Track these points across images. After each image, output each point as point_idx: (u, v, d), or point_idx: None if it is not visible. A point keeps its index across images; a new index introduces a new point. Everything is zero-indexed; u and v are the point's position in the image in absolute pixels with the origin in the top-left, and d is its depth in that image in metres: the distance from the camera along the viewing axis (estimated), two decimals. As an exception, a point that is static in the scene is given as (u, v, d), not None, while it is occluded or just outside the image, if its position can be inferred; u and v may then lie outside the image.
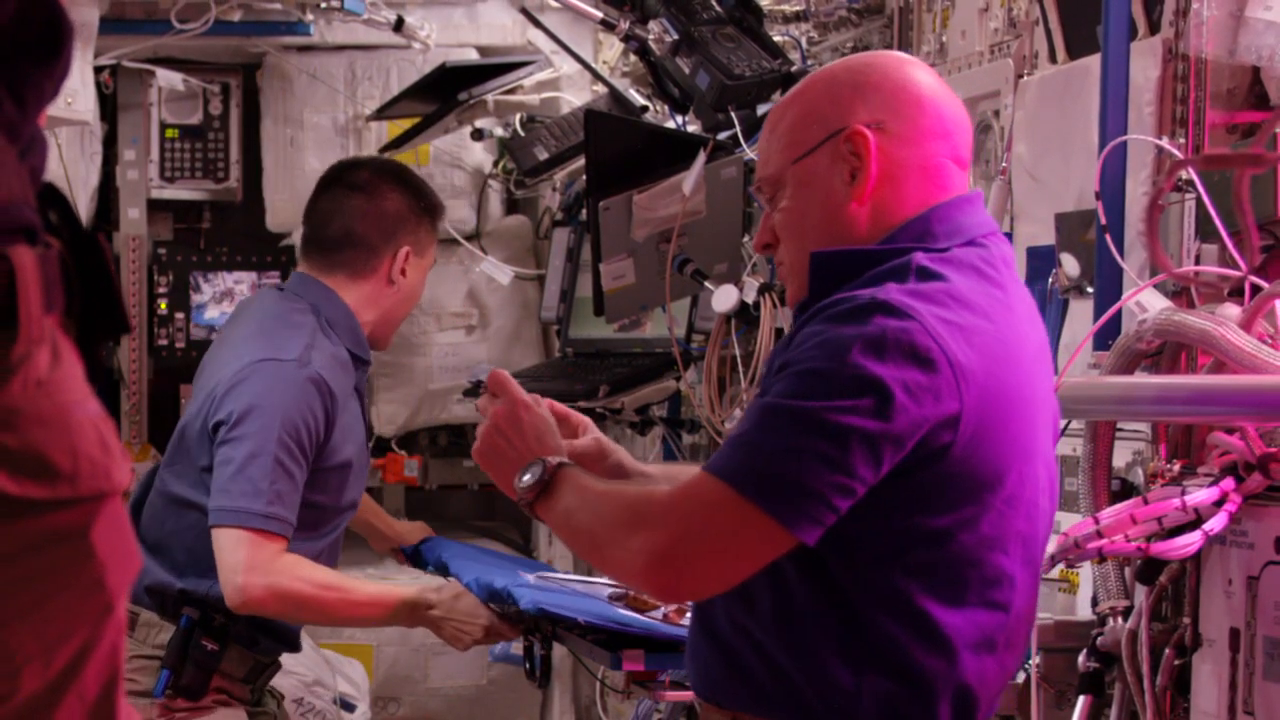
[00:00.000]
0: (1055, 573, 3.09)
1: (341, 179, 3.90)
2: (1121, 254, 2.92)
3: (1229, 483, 2.62)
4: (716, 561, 2.24)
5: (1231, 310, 2.66)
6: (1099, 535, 2.65)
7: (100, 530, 1.54)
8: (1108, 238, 2.93)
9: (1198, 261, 2.84)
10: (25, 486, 1.48)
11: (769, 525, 2.19)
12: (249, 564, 3.54)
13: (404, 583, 4.00)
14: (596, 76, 5.43)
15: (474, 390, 4.76)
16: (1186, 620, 2.78)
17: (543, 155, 5.40)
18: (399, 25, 5.72)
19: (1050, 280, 3.25)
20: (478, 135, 5.82)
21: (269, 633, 3.77)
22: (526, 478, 2.43)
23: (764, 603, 2.31)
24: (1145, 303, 2.79)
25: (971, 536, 2.27)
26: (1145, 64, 2.97)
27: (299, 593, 3.59)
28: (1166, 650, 2.79)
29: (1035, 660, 2.93)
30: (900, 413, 2.17)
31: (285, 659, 4.03)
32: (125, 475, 1.56)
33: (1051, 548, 2.72)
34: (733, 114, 3.98)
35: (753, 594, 2.32)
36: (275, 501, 3.56)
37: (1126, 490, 2.94)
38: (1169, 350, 2.79)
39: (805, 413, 2.19)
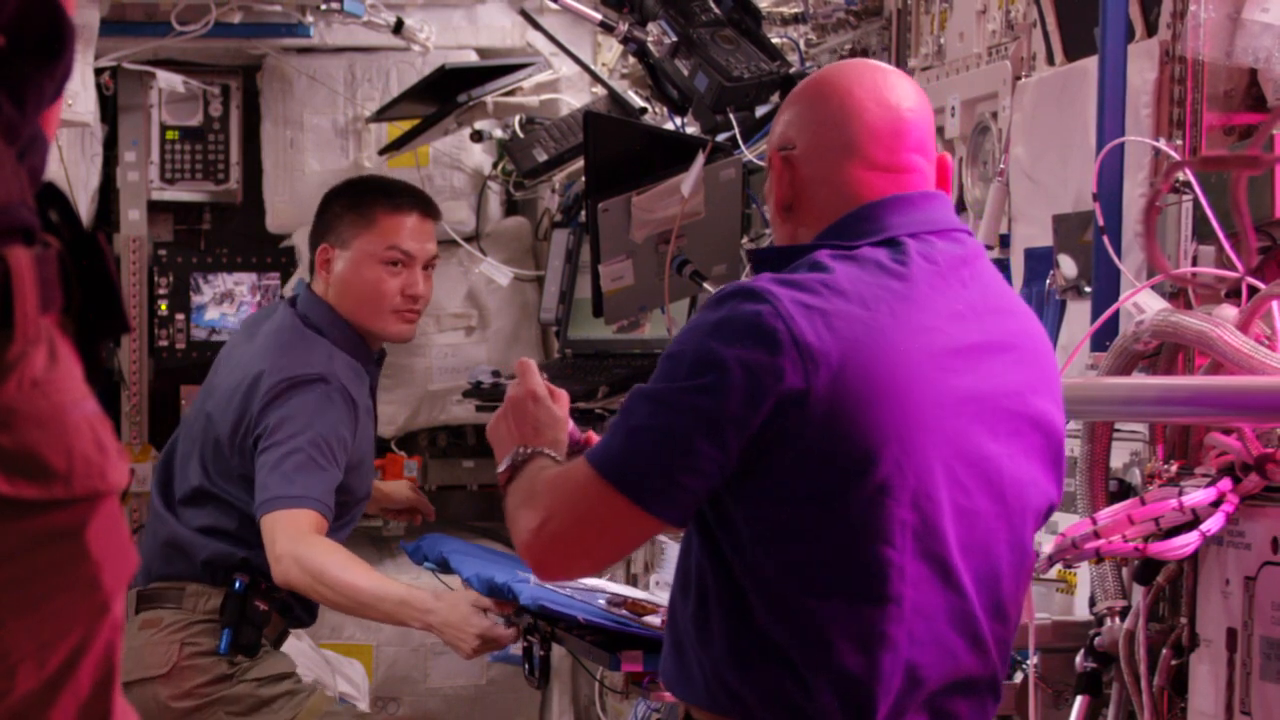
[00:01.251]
0: (1053, 573, 3.10)
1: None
2: (1119, 255, 2.92)
3: (1226, 483, 2.62)
4: (582, 541, 2.37)
5: (1228, 311, 2.66)
6: (1096, 535, 2.66)
7: (95, 530, 1.54)
8: (1105, 239, 2.93)
9: (1195, 263, 2.84)
10: (19, 487, 1.48)
11: (625, 505, 2.30)
12: (285, 537, 3.89)
13: (406, 582, 4.11)
14: (595, 78, 5.43)
15: (474, 391, 4.77)
16: (1184, 620, 2.78)
17: (542, 157, 5.40)
18: (398, 27, 5.73)
19: (1048, 281, 3.25)
20: (477, 137, 5.83)
21: (301, 602, 4.13)
22: (504, 461, 2.57)
23: (690, 596, 2.39)
24: (1143, 304, 2.79)
25: (840, 524, 2.28)
26: (1142, 66, 2.98)
27: (330, 575, 3.88)
28: (1164, 650, 2.79)
29: (1033, 660, 2.94)
30: (737, 391, 2.24)
31: (286, 660, 4.30)
32: (122, 475, 1.56)
33: (1049, 548, 2.73)
34: (731, 116, 3.99)
35: (688, 587, 2.40)
36: (313, 487, 3.94)
37: (1124, 491, 2.94)
38: (1166, 351, 2.79)
39: (656, 394, 2.30)
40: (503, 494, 2.55)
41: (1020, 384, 2.40)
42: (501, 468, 2.57)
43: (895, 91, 2.46)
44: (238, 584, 4.04)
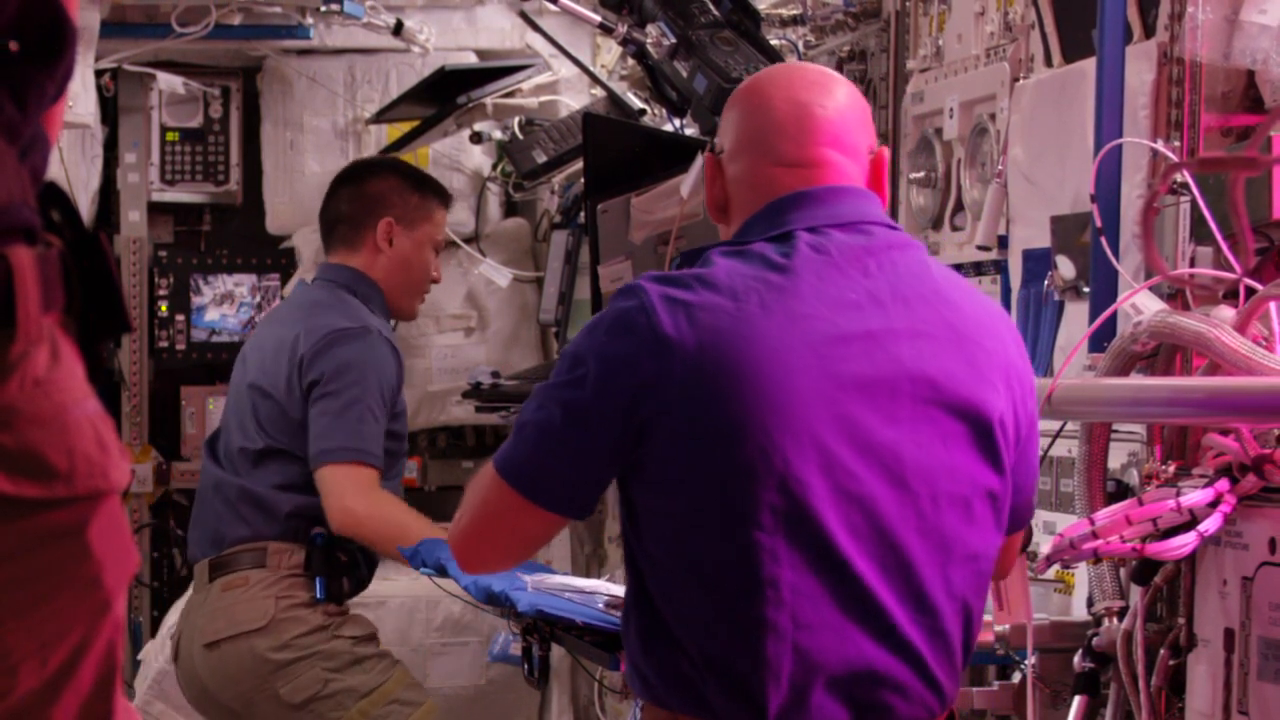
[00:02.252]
0: (1051, 574, 3.10)
1: (339, 176, 4.59)
2: (1117, 256, 2.93)
3: (1224, 484, 2.62)
4: (487, 535, 2.51)
5: (1226, 312, 2.66)
6: (1094, 536, 2.66)
7: (97, 529, 1.54)
8: (1103, 240, 2.93)
9: (1193, 264, 2.84)
10: (21, 486, 1.49)
11: (516, 499, 2.43)
12: (352, 490, 4.14)
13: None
14: (595, 80, 5.44)
15: (473, 392, 4.78)
16: (1181, 621, 2.79)
17: (541, 158, 5.41)
18: (398, 29, 5.73)
19: (1046, 282, 3.26)
20: (476, 138, 5.83)
21: (365, 555, 4.33)
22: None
23: (628, 592, 2.48)
24: (1140, 305, 2.80)
25: (708, 509, 2.34)
26: (1140, 67, 2.98)
27: (388, 516, 4.17)
28: (1161, 650, 2.80)
29: (1031, 660, 2.94)
30: (596, 381, 2.36)
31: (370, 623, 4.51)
32: (124, 475, 1.57)
33: (1047, 549, 2.73)
34: (730, 117, 4.00)
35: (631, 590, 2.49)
36: (369, 440, 4.17)
37: (1122, 491, 2.94)
38: (1164, 352, 2.80)
39: (538, 392, 2.44)
40: None
41: (935, 371, 2.39)
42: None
43: (810, 89, 2.50)
44: (318, 539, 4.23)
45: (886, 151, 2.58)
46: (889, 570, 2.37)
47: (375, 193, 4.46)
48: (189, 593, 4.47)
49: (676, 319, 2.34)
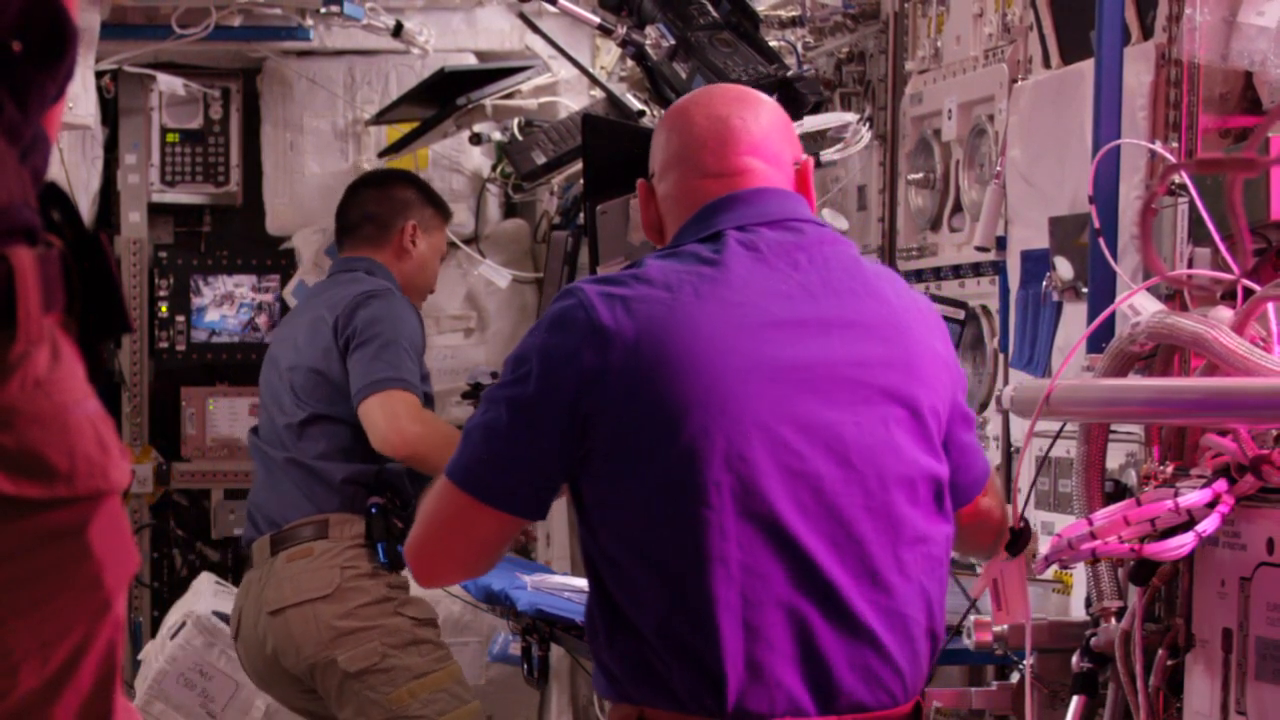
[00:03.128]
0: (1049, 574, 3.11)
1: (360, 181, 4.92)
2: (1115, 257, 2.93)
3: (1221, 484, 2.62)
4: (443, 544, 2.53)
5: (1224, 313, 2.67)
6: (1092, 536, 2.66)
7: (98, 529, 1.54)
8: (1101, 241, 2.94)
9: (1190, 265, 2.85)
10: (22, 486, 1.49)
11: (469, 502, 2.46)
12: (403, 413, 4.30)
13: None
14: (594, 81, 5.44)
15: (473, 392, 4.78)
16: (1179, 621, 2.79)
17: (540, 159, 5.41)
18: (398, 30, 5.74)
19: (1044, 283, 3.26)
20: (476, 139, 5.84)
21: None
22: None
23: (591, 596, 2.52)
24: (1138, 306, 2.80)
25: (654, 491, 2.39)
26: (1138, 69, 2.99)
27: (444, 431, 4.31)
28: (1159, 651, 2.80)
29: (1029, 660, 2.95)
30: (539, 376, 2.41)
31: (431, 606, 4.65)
32: (124, 475, 1.57)
33: (1045, 549, 2.74)
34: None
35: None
36: (408, 372, 4.36)
37: (1120, 492, 2.95)
38: (1162, 353, 2.80)
39: (485, 396, 2.50)
40: None
41: (867, 357, 2.47)
42: None
43: (729, 105, 2.60)
44: (374, 509, 4.35)
45: (812, 162, 2.65)
46: (840, 547, 2.41)
47: (401, 198, 4.73)
48: (248, 572, 4.55)
49: (614, 311, 2.41)
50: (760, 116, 2.59)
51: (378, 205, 4.72)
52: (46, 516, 1.52)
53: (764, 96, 2.67)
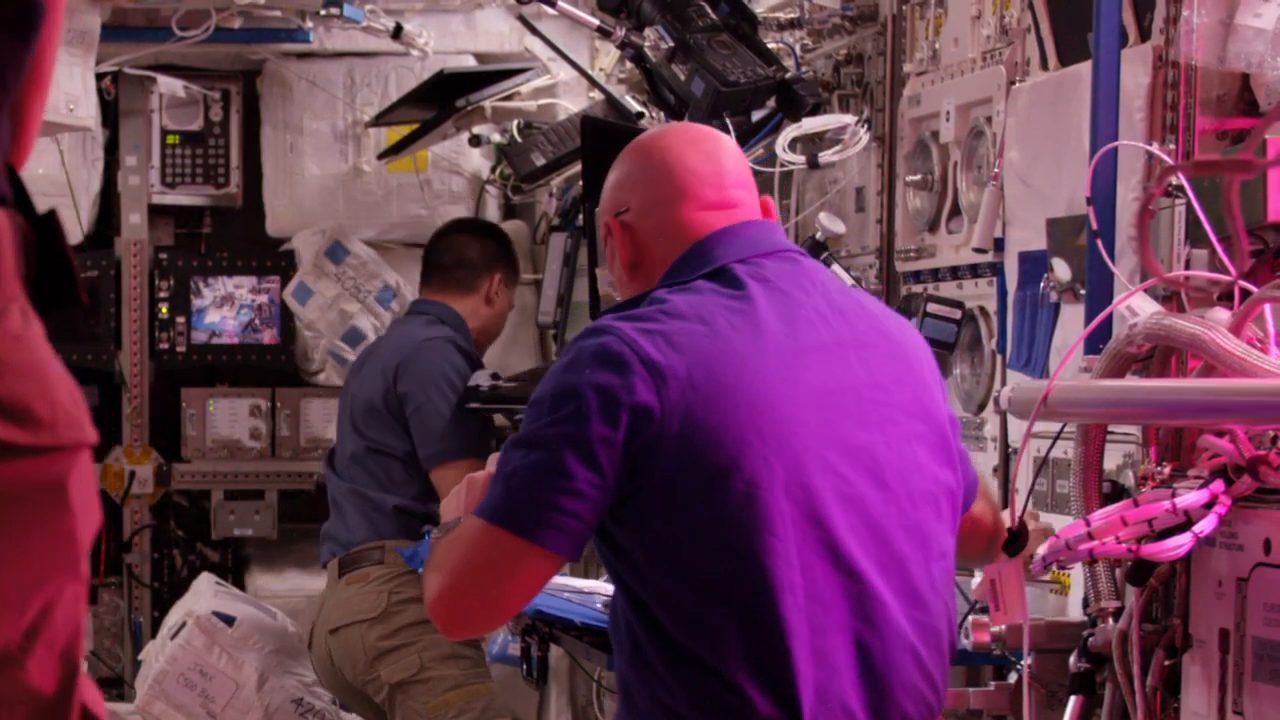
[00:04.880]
0: (1047, 575, 3.11)
1: (454, 226, 5.30)
2: (1112, 259, 2.94)
3: (1219, 485, 2.63)
4: (481, 591, 2.46)
5: (1221, 314, 2.67)
6: (1090, 537, 2.67)
7: (75, 482, 1.58)
8: (1099, 243, 2.94)
9: (1188, 266, 2.86)
10: (9, 431, 1.52)
11: (514, 542, 2.41)
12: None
13: None
14: (593, 83, 5.45)
15: (472, 394, 4.79)
16: (1177, 621, 2.80)
17: (540, 161, 5.42)
18: (397, 32, 5.74)
19: (1042, 285, 3.27)
20: (475, 141, 5.85)
21: None
22: (443, 531, 2.63)
23: (623, 640, 2.48)
24: (1136, 307, 2.81)
25: (719, 525, 2.37)
26: (1136, 70, 2.99)
27: None
28: (1157, 651, 2.80)
29: (1027, 661, 2.95)
30: (596, 412, 2.38)
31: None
32: (94, 431, 1.60)
33: (1043, 550, 2.74)
34: (727, 120, 4.01)
35: (619, 634, 2.50)
36: (450, 439, 4.72)
37: (1117, 492, 2.96)
38: (1159, 354, 2.81)
39: (525, 438, 2.44)
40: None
41: (883, 376, 2.50)
42: (438, 535, 2.63)
43: (708, 140, 2.63)
44: (427, 534, 4.40)
45: (770, 199, 2.68)
46: (885, 568, 2.44)
47: (492, 250, 5.11)
48: (323, 590, 4.95)
49: (659, 345, 2.39)
50: (734, 152, 2.65)
51: (471, 251, 5.06)
52: (31, 463, 1.54)
53: (725, 136, 2.72)
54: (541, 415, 2.43)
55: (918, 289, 3.89)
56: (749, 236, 2.57)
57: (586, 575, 5.25)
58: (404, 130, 5.80)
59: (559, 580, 4.00)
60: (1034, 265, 3.33)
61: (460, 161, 6.13)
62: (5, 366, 1.53)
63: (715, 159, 2.60)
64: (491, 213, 6.24)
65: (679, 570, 2.39)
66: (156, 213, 6.31)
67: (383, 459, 4.81)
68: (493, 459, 2.72)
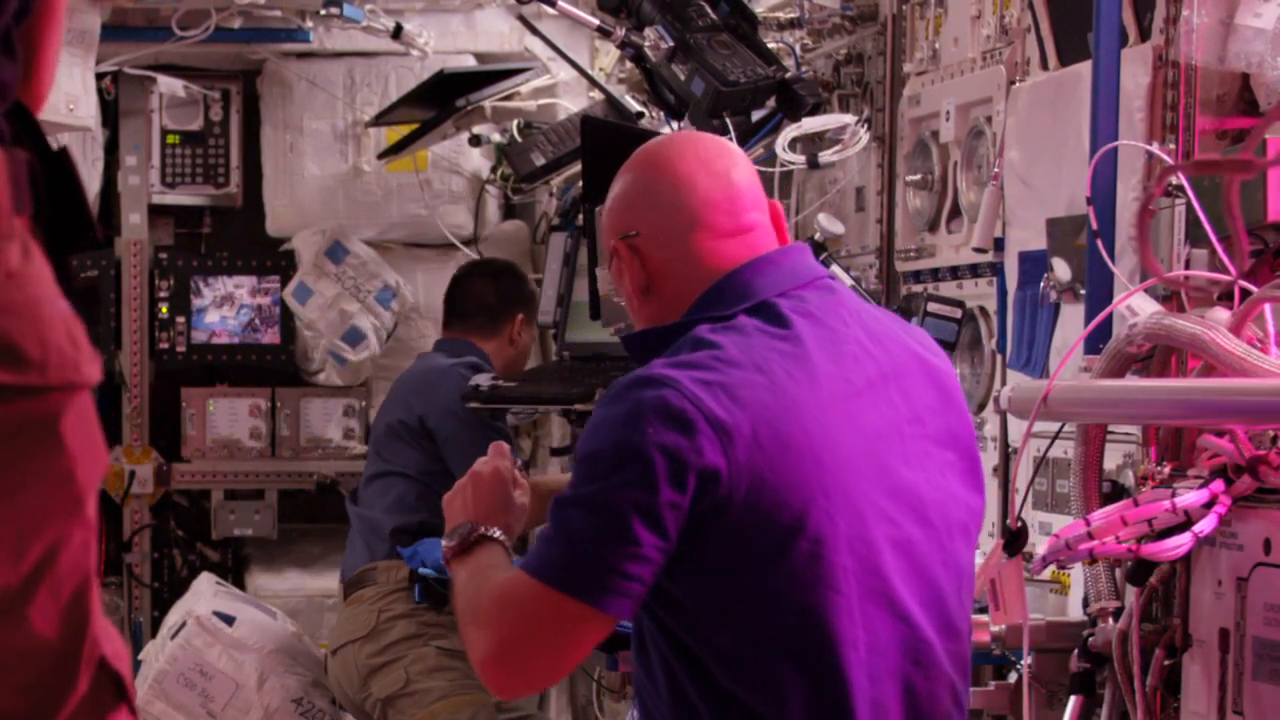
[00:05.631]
0: (1047, 574, 3.11)
1: (471, 270, 5.37)
2: (1112, 258, 2.94)
3: (1218, 485, 2.63)
4: (538, 656, 2.39)
5: (1221, 314, 2.67)
6: (1090, 537, 2.67)
7: (70, 423, 1.55)
8: (1099, 242, 2.95)
9: (1188, 266, 2.86)
10: None
11: (579, 609, 2.33)
12: None
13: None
14: (593, 83, 5.45)
15: (472, 394, 4.79)
16: (1177, 621, 2.80)
17: (540, 161, 5.42)
18: (397, 32, 5.74)
19: (1042, 285, 3.27)
20: (475, 141, 5.85)
21: None
22: (454, 536, 2.60)
23: (661, 685, 2.44)
24: (1136, 307, 2.81)
25: (784, 583, 2.33)
26: (1136, 70, 2.99)
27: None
28: (1157, 651, 2.81)
29: (1027, 660, 2.95)
30: (665, 477, 2.29)
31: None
32: (95, 372, 1.58)
33: (1043, 549, 2.75)
34: (727, 120, 4.01)
35: (654, 676, 2.44)
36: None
37: (1117, 492, 2.96)
38: (1159, 354, 2.81)
39: (586, 499, 2.33)
40: (447, 566, 2.60)
41: (919, 406, 2.46)
42: (449, 540, 2.59)
43: (720, 158, 2.53)
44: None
45: (779, 203, 2.61)
46: (928, 606, 2.43)
47: (511, 292, 5.23)
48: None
49: (722, 401, 2.31)
50: (746, 166, 2.55)
51: (492, 298, 5.18)
52: (19, 404, 1.53)
53: (733, 145, 2.62)
54: (602, 475, 2.33)
55: (918, 289, 3.89)
56: (786, 266, 2.49)
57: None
58: (404, 130, 5.80)
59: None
60: (1034, 265, 3.33)
61: (460, 161, 6.13)
62: None
63: (727, 180, 2.50)
64: (491, 213, 6.24)
65: (738, 626, 2.35)
66: (156, 213, 6.31)
67: (394, 480, 4.90)
68: (494, 447, 2.69)
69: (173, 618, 5.51)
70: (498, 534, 2.59)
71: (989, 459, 3.61)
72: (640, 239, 2.52)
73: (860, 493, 2.36)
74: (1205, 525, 2.62)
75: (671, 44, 4.00)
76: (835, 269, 3.94)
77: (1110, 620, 2.88)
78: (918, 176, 3.90)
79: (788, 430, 2.33)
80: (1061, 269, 3.19)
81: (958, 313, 3.64)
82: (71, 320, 1.58)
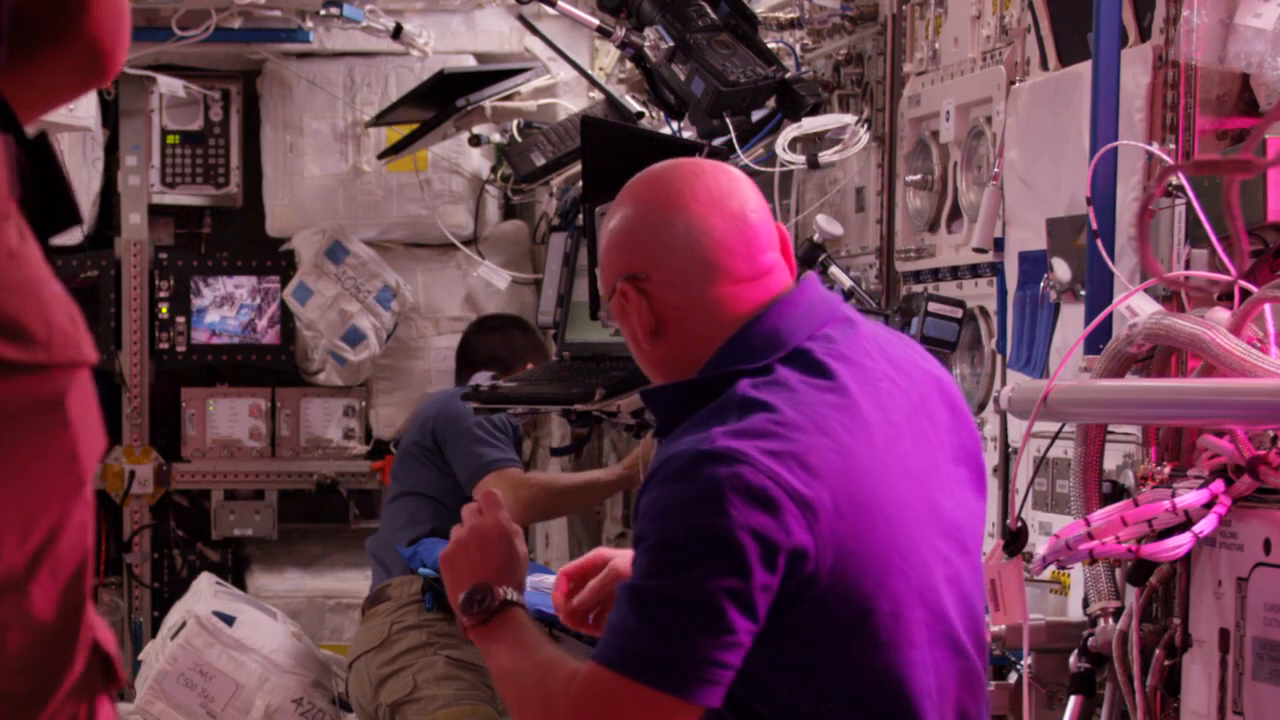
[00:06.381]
0: (1047, 574, 3.11)
1: (480, 327, 5.55)
2: (1112, 258, 2.94)
3: (1218, 485, 2.63)
4: None
5: (1221, 314, 2.67)
6: (1090, 537, 2.67)
7: (74, 400, 1.56)
8: (1099, 242, 2.95)
9: (1188, 266, 2.86)
10: (2, 347, 1.51)
11: (670, 702, 2.23)
12: (508, 488, 4.76)
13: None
14: (593, 83, 5.45)
15: (472, 394, 4.80)
16: (1176, 621, 2.80)
17: (540, 161, 5.42)
18: (397, 32, 5.75)
19: (1042, 285, 3.27)
20: (475, 141, 5.85)
21: None
22: (471, 604, 2.48)
23: None
24: (1136, 307, 2.81)
25: (867, 647, 2.29)
26: (1136, 70, 2.99)
27: (544, 483, 5.08)
28: (1157, 651, 2.81)
29: (1027, 661, 2.95)
30: (757, 561, 2.20)
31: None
32: (94, 351, 1.59)
33: (1043, 550, 2.75)
34: (727, 120, 4.01)
35: None
36: (503, 450, 4.96)
37: (1117, 492, 2.96)
38: (1159, 354, 2.81)
39: (673, 589, 2.22)
40: (468, 637, 2.51)
41: (942, 429, 2.43)
42: (468, 606, 2.48)
43: (733, 196, 2.40)
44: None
45: (784, 226, 2.50)
46: (973, 632, 2.42)
47: (520, 344, 5.39)
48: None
49: (798, 474, 2.23)
50: (756, 197, 2.44)
51: (501, 350, 5.37)
52: (26, 381, 1.53)
53: (739, 172, 2.48)
54: (688, 563, 2.21)
55: (918, 289, 3.89)
56: (806, 305, 2.40)
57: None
58: (404, 130, 5.80)
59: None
60: (1034, 265, 3.33)
61: (460, 161, 6.13)
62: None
63: (742, 221, 2.39)
64: (491, 213, 6.24)
65: (815, 690, 2.30)
66: (156, 213, 6.31)
67: (409, 499, 5.04)
68: (486, 497, 2.56)
69: (173, 618, 5.51)
70: (516, 596, 2.48)
71: (989, 459, 3.60)
72: (650, 283, 2.40)
73: (921, 539, 2.32)
74: (1205, 525, 2.62)
75: (671, 44, 4.00)
76: (834, 270, 3.94)
77: (1110, 620, 2.88)
78: (918, 176, 3.90)
79: (860, 494, 2.26)
80: (1061, 269, 3.19)
81: (958, 313, 3.64)
82: (69, 301, 1.58)
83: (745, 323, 2.38)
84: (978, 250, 3.60)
